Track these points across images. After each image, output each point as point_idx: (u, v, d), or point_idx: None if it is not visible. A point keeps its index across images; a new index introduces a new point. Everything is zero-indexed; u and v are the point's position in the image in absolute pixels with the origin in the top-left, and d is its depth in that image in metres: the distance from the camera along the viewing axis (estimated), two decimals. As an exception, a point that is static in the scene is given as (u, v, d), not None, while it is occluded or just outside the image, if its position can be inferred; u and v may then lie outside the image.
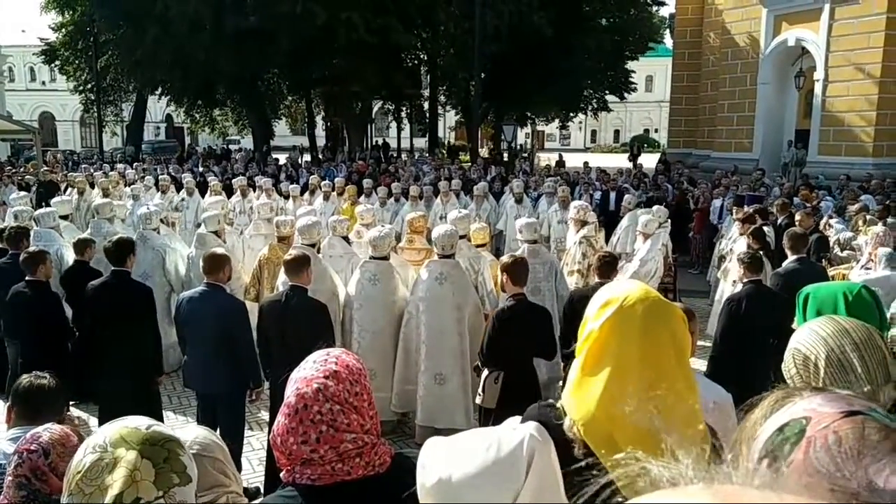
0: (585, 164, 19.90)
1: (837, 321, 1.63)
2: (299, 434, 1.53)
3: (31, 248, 5.64)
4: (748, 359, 4.64)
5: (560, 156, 28.47)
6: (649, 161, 26.16)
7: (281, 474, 1.59)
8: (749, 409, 0.91)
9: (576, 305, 5.18)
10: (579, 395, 1.58)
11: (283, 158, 23.36)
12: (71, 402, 5.96)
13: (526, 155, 30.18)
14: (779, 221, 8.85)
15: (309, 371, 1.61)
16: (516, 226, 7.12)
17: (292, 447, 1.53)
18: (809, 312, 2.19)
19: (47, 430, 1.90)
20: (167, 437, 1.38)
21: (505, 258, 4.93)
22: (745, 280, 5.19)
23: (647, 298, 1.63)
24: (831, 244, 7.89)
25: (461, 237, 6.67)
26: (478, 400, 4.62)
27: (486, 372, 4.52)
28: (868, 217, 8.61)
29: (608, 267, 5.30)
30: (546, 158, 30.20)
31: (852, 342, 1.55)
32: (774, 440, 0.79)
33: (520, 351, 4.51)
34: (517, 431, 1.33)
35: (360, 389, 1.61)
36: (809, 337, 1.61)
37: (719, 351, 4.94)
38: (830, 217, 9.26)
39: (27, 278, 5.24)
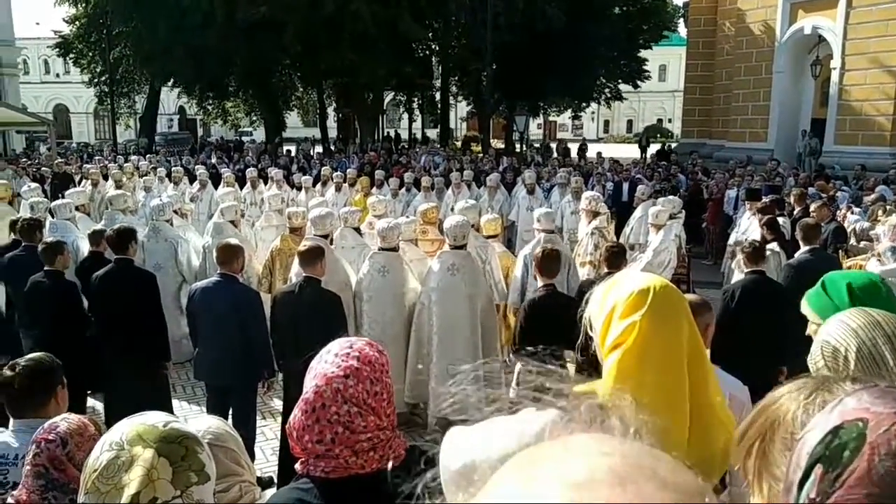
0: (598, 154, 19.79)
1: (868, 313, 1.59)
2: (315, 433, 1.52)
3: (49, 239, 5.68)
4: (745, 349, 4.60)
5: (564, 144, 28.37)
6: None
7: (296, 465, 1.59)
8: (772, 401, 0.86)
9: (587, 295, 5.17)
10: (629, 389, 1.58)
11: (294, 150, 23.40)
12: (87, 392, 6.05)
13: (538, 146, 30.05)
14: (795, 212, 8.76)
15: (330, 366, 1.58)
16: (534, 215, 7.08)
17: (307, 444, 1.53)
18: (858, 302, 2.08)
19: (65, 420, 1.91)
20: (185, 435, 1.35)
21: (536, 250, 4.92)
22: (746, 270, 5.15)
23: (667, 285, 1.70)
24: (848, 234, 7.81)
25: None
26: (511, 394, 4.58)
27: (519, 365, 4.49)
28: (888, 207, 8.50)
29: (616, 257, 5.28)
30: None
31: (884, 334, 1.51)
32: (829, 445, 0.73)
33: (550, 342, 4.51)
34: (540, 417, 1.33)
35: (380, 388, 1.58)
36: (839, 329, 1.57)
37: (717, 341, 4.90)
38: (849, 207, 9.15)
39: (46, 268, 5.28)
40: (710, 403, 1.63)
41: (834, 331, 1.58)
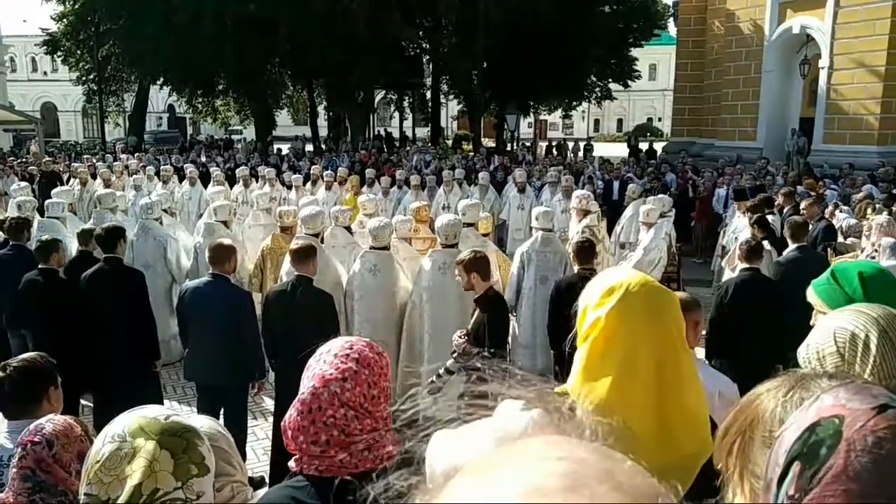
0: (590, 153, 19.87)
1: (883, 307, 1.59)
2: (310, 434, 1.51)
3: (45, 237, 5.64)
4: (739, 346, 4.63)
5: (550, 143, 28.56)
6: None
7: (290, 463, 1.58)
8: (752, 399, 0.87)
9: (562, 294, 5.18)
10: (589, 384, 1.59)
11: (285, 149, 23.32)
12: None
13: (529, 144, 30.11)
14: (784, 210, 8.81)
15: (328, 367, 1.57)
16: (533, 214, 7.09)
17: (302, 445, 1.52)
18: (873, 289, 2.04)
19: (50, 422, 1.90)
20: (186, 428, 1.37)
21: (465, 254, 4.62)
22: (741, 267, 5.17)
23: (648, 284, 1.68)
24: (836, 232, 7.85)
25: (470, 225, 6.65)
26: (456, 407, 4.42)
27: (462, 372, 4.16)
28: (877, 206, 8.56)
29: (585, 252, 5.28)
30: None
31: None
32: (806, 442, 0.73)
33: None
34: (521, 417, 1.33)
35: (377, 392, 1.57)
36: (857, 317, 1.56)
37: (710, 337, 4.90)
38: (836, 205, 9.21)
39: (40, 266, 5.25)
40: (686, 408, 1.62)
41: (851, 318, 1.57)
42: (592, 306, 1.65)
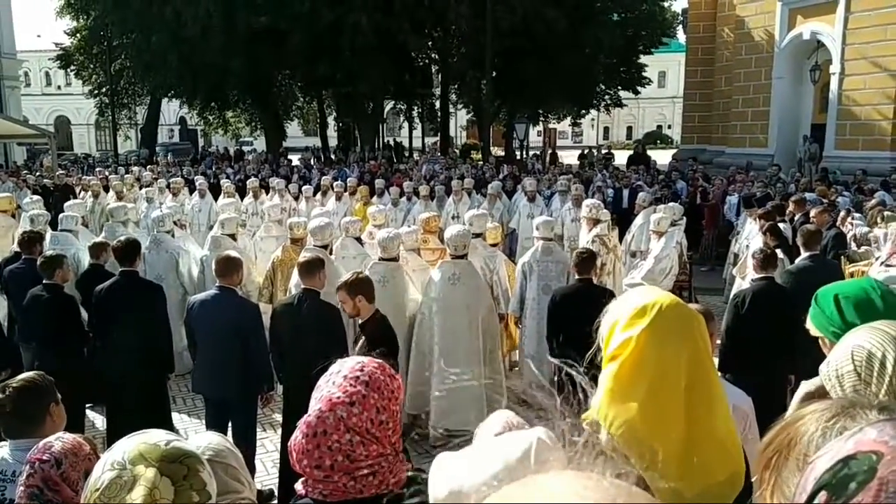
0: (597, 150, 19.79)
1: None
2: (314, 458, 1.49)
3: (49, 252, 5.67)
4: (754, 356, 4.58)
5: (555, 151, 28.55)
6: (660, 158, 25.96)
7: (296, 485, 1.57)
8: (797, 418, 0.85)
9: (559, 304, 5.14)
10: (616, 407, 1.55)
11: (295, 159, 23.42)
12: (87, 406, 6.03)
13: (538, 153, 30.10)
14: (795, 218, 8.74)
15: (336, 390, 1.54)
16: (533, 223, 7.07)
17: (306, 468, 1.50)
18: (847, 313, 2.05)
19: (59, 440, 1.89)
20: (186, 453, 1.36)
21: (347, 276, 4.39)
22: (755, 276, 5.11)
23: (679, 305, 1.65)
24: (848, 240, 7.77)
25: (477, 235, 6.64)
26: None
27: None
28: (887, 213, 8.47)
29: (586, 263, 5.24)
30: (561, 156, 30.05)
31: None
32: (837, 473, 0.70)
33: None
34: (525, 437, 1.31)
35: (385, 417, 1.54)
36: (875, 335, 1.53)
37: (725, 348, 4.83)
38: (849, 212, 9.12)
39: (44, 282, 5.26)
40: (715, 430, 1.59)
41: (868, 337, 1.54)
42: (622, 326, 1.61)
